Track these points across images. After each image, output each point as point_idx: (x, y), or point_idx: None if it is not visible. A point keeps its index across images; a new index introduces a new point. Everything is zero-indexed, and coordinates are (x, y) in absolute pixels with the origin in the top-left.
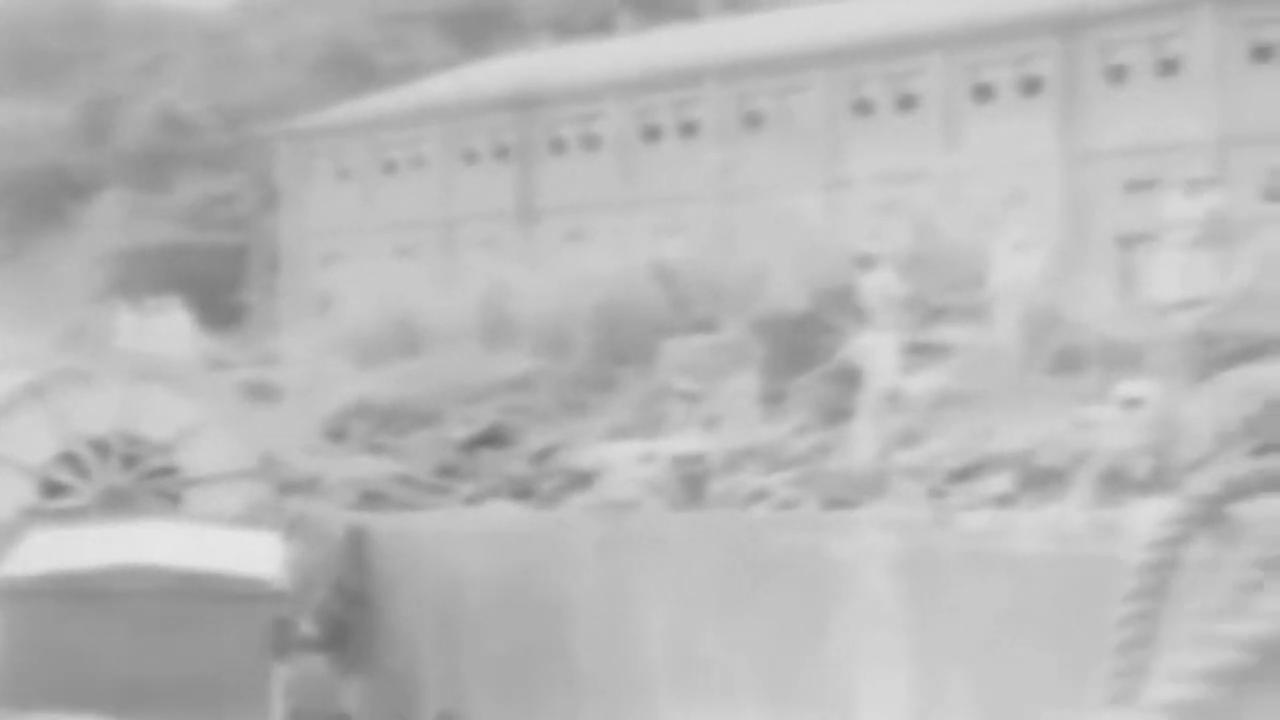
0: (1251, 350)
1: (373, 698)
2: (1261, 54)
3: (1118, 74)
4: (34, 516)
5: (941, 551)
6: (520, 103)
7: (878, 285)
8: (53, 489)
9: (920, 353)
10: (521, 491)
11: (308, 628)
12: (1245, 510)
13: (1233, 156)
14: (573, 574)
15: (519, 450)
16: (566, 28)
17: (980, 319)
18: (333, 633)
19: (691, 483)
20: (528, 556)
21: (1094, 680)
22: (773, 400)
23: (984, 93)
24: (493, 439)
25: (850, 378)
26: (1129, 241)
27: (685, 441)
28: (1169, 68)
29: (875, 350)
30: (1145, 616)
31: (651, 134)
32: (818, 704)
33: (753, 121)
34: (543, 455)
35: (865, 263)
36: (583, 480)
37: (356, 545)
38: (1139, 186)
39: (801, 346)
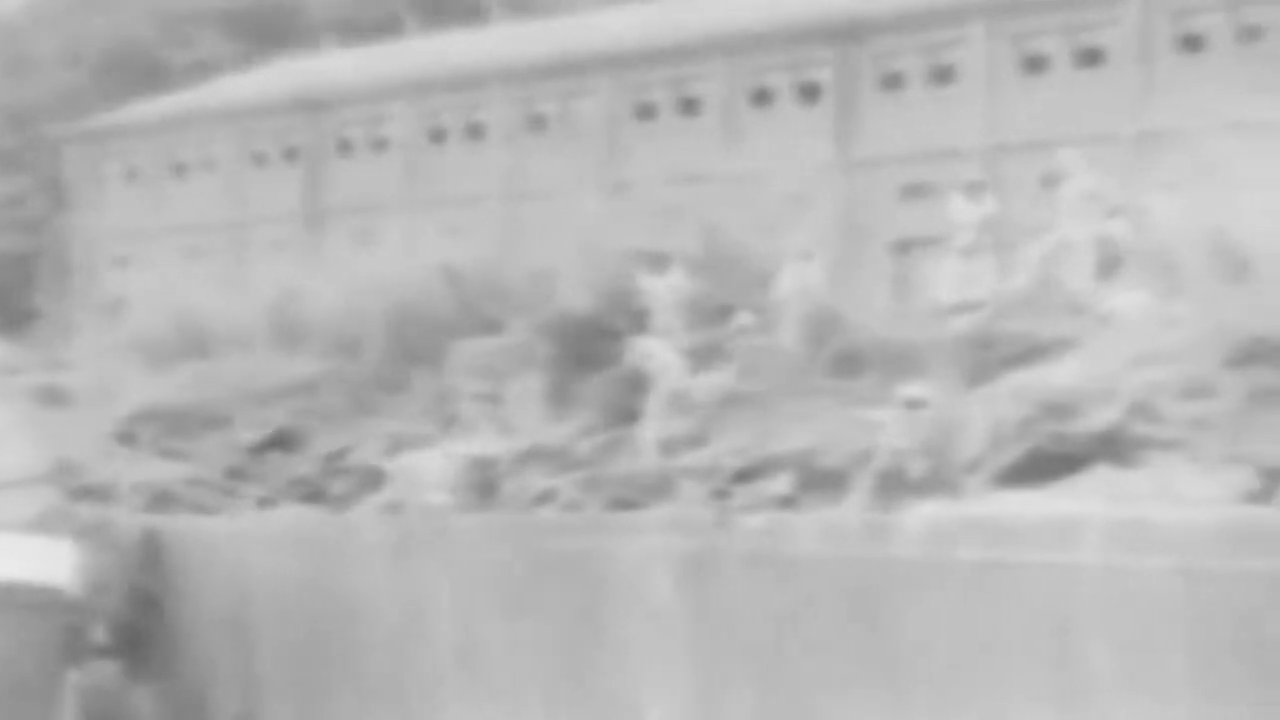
0: (1027, 353)
1: (166, 703)
2: (1031, 65)
3: (893, 82)
4: None
5: (722, 552)
6: (308, 104)
7: (667, 286)
8: None
9: (704, 355)
10: (312, 494)
11: (100, 634)
12: None
13: (1003, 164)
14: (364, 576)
15: (309, 453)
16: (353, 29)
17: (766, 321)
18: (126, 639)
19: (484, 485)
20: (319, 559)
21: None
22: (560, 401)
23: (763, 98)
24: (283, 441)
25: (636, 379)
26: (904, 246)
27: (479, 443)
28: (942, 77)
29: (661, 352)
30: None
31: (438, 136)
32: (602, 704)
33: (537, 124)
34: (333, 457)
35: (657, 263)
36: (374, 482)
37: (150, 550)
38: (913, 193)
39: (587, 347)
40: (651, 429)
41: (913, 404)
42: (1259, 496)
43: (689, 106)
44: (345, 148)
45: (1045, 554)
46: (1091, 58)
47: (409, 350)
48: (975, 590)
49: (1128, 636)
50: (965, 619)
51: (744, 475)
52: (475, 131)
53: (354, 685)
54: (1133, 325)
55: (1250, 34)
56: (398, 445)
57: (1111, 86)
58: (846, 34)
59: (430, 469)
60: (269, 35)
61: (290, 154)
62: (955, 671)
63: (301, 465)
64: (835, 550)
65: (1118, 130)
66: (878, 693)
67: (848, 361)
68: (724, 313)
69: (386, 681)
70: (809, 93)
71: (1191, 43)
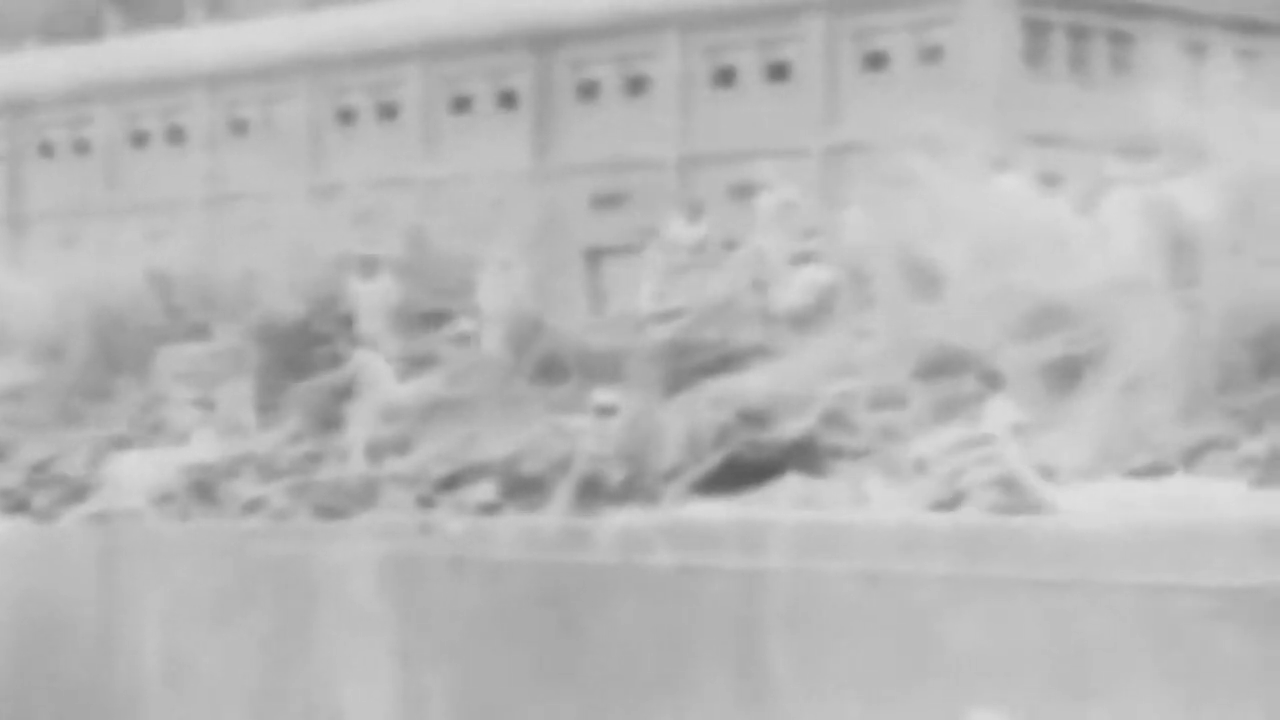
0: (725, 361)
1: None
2: (722, 78)
3: (589, 91)
4: None
5: (425, 557)
6: (8, 106)
7: (376, 291)
8: None
9: (412, 361)
10: (17, 505)
11: None
12: None
13: (692, 175)
14: (71, 587)
15: (14, 463)
16: (55, 30)
17: (470, 327)
18: None
19: (200, 491)
20: (25, 571)
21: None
22: (269, 407)
23: (461, 105)
24: None
25: (343, 385)
26: (596, 254)
27: (189, 450)
28: (637, 87)
29: (373, 360)
30: None
31: (140, 139)
32: (305, 713)
33: (238, 128)
34: (39, 468)
35: (367, 267)
36: (79, 492)
37: None
38: (606, 202)
39: (295, 353)
40: (358, 436)
41: (604, 411)
42: (947, 505)
43: (389, 111)
44: (46, 150)
45: (735, 559)
46: (780, 73)
47: (115, 356)
48: (668, 594)
49: (813, 638)
50: (658, 622)
51: (449, 482)
52: (177, 135)
53: (56, 702)
54: (825, 316)
55: (931, 54)
56: (103, 454)
57: (800, 101)
58: (543, 42)
59: (137, 477)
60: None
61: None
62: (648, 674)
63: (6, 476)
64: (533, 555)
65: (806, 144)
66: (574, 693)
67: (550, 368)
68: (430, 319)
69: (90, 696)
70: (507, 100)
71: (875, 61)
